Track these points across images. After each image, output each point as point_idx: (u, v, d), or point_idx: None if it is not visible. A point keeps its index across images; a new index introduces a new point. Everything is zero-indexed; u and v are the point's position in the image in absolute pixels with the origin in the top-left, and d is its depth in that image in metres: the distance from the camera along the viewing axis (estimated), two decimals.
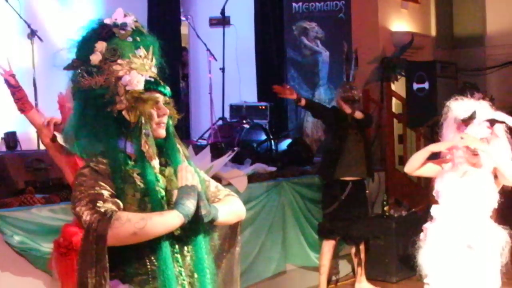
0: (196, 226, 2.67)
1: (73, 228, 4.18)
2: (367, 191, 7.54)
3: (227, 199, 2.91)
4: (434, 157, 4.96)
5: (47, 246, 4.79)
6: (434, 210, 4.81)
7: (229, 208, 2.84)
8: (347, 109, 7.08)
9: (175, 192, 2.65)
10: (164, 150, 2.77)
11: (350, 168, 7.13)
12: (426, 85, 8.94)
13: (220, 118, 9.24)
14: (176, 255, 2.67)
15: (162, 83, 2.74)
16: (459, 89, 8.10)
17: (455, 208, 4.68)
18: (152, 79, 2.71)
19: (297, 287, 7.45)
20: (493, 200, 4.67)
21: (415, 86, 9.00)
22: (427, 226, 4.86)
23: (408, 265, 7.90)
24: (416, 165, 4.93)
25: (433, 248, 4.74)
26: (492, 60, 11.24)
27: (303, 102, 7.16)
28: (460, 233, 4.62)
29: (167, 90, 2.75)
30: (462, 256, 4.60)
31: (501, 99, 10.01)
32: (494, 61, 11.14)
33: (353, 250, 7.54)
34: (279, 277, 7.24)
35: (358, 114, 7.20)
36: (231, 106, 9.56)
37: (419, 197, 8.43)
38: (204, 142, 8.75)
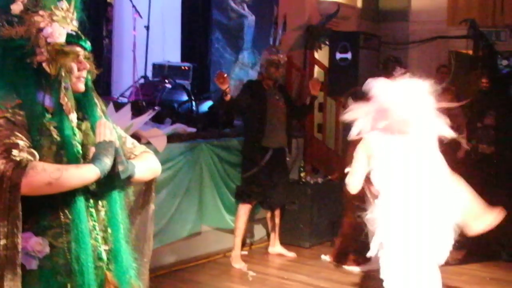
0: (111, 181, 2.68)
1: None
2: (287, 159, 7.62)
3: (143, 155, 2.92)
4: None
5: None
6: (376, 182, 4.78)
7: (145, 165, 2.86)
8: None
9: (92, 147, 2.65)
10: (82, 104, 2.76)
11: (272, 137, 7.18)
12: (348, 55, 9.03)
13: (142, 77, 9.16)
14: (90, 209, 2.67)
15: (83, 37, 2.72)
16: (383, 61, 8.21)
17: (402, 179, 4.66)
18: (74, 33, 2.69)
19: (212, 248, 7.51)
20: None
21: (338, 55, 9.09)
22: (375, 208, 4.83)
23: (321, 230, 8.10)
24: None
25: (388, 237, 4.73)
26: (414, 35, 11.41)
27: (228, 97, 6.89)
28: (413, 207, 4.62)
29: (88, 44, 2.74)
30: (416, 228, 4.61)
31: (422, 75, 10.20)
32: (417, 36, 11.32)
33: (269, 214, 7.65)
34: (194, 238, 7.28)
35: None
36: (154, 65, 9.49)
37: (335, 165, 8.55)
38: (125, 100, 8.69)
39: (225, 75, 6.81)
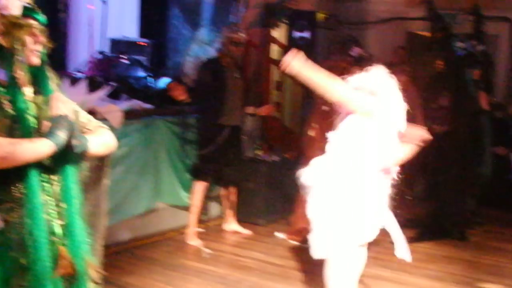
0: (65, 156, 2.66)
1: None
2: (243, 136, 7.63)
3: (98, 130, 2.91)
4: None
5: None
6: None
7: (100, 140, 2.85)
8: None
9: (46, 121, 2.63)
10: (36, 78, 2.73)
11: (230, 115, 7.17)
12: (307, 34, 9.05)
13: (99, 52, 9.07)
14: (44, 183, 2.65)
15: (38, 10, 2.69)
16: (341, 41, 8.25)
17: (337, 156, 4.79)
18: (29, 6, 2.66)
19: (167, 225, 7.50)
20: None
21: (296, 34, 9.10)
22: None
23: (276, 208, 8.14)
24: None
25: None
26: (373, 15, 11.46)
27: (188, 100, 6.98)
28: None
29: (43, 17, 2.71)
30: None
31: (379, 55, 10.27)
32: (375, 17, 11.37)
33: (224, 192, 7.66)
34: (149, 215, 7.27)
35: (250, 110, 7.46)
36: (111, 40, 9.40)
37: (292, 143, 8.59)
38: (81, 75, 8.60)
39: (180, 87, 6.82)
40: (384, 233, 7.93)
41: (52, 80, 2.78)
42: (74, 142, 2.63)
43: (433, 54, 10.10)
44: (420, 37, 11.27)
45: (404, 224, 8.09)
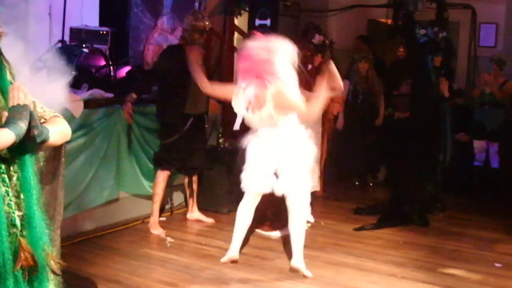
0: (24, 146, 2.63)
1: None
2: (205, 125, 7.61)
3: (54, 120, 2.88)
4: None
5: None
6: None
7: (57, 129, 2.82)
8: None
9: (4, 111, 2.59)
10: None
11: (194, 104, 7.13)
12: (268, 22, 9.04)
13: (59, 41, 8.97)
14: (2, 175, 2.62)
15: None
16: (303, 29, 8.25)
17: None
18: None
19: (130, 215, 7.47)
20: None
21: (257, 22, 9.07)
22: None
23: (238, 196, 8.14)
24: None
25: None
26: (334, 3, 11.49)
27: (134, 96, 7.01)
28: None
29: None
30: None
31: (341, 43, 10.31)
32: (336, 4, 11.40)
33: (186, 180, 7.64)
34: (111, 205, 7.23)
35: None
36: (71, 29, 9.29)
37: None
38: (41, 65, 8.50)
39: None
40: (347, 221, 8.00)
41: (7, 70, 2.74)
42: (35, 131, 2.60)
43: (395, 41, 10.14)
44: (382, 24, 11.32)
45: (366, 211, 8.21)
